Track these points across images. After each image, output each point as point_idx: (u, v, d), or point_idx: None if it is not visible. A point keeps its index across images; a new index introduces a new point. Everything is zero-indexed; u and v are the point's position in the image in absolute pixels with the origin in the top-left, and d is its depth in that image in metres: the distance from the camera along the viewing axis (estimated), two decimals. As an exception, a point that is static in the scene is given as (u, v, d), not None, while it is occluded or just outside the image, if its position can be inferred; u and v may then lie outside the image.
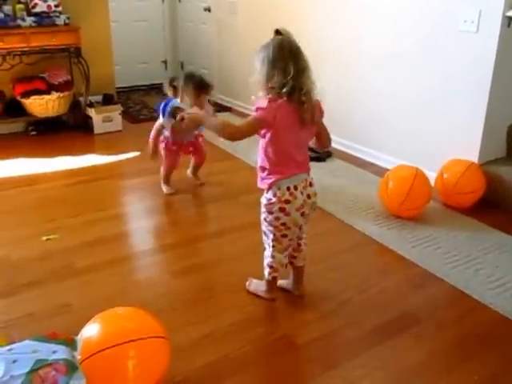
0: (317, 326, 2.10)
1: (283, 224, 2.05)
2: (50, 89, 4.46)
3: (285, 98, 1.85)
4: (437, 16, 3.28)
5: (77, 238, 2.75)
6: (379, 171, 3.66)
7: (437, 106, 3.41)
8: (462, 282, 2.40)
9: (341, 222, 3.00)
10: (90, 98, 4.65)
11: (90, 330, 1.61)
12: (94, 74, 4.59)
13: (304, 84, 1.87)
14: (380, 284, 2.41)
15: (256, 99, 1.94)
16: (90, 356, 1.54)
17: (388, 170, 3.26)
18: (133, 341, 1.57)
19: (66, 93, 4.48)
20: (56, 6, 4.41)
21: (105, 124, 4.54)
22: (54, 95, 4.40)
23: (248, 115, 5.06)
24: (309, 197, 2.05)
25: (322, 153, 3.95)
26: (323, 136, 2.09)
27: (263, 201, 2.06)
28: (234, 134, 1.97)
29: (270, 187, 2.01)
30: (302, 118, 1.89)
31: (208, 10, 5.66)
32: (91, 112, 4.55)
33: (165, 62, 6.65)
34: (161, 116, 3.16)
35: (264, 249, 2.20)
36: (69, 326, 2.04)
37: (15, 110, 4.43)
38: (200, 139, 3.42)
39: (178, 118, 2.07)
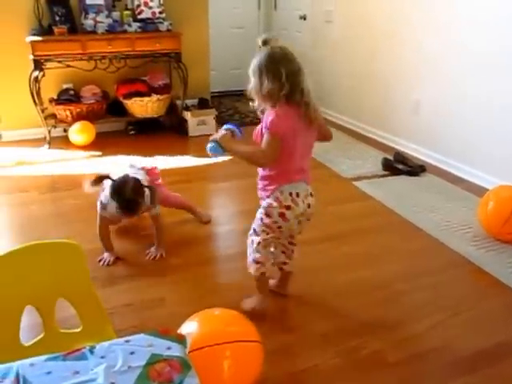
0: (407, 346, 2.05)
1: (279, 227, 2.04)
2: (150, 91, 4.69)
3: (286, 102, 1.84)
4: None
5: (171, 236, 2.86)
6: (474, 188, 3.53)
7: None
8: None
9: (434, 239, 2.90)
10: (186, 101, 4.84)
11: (189, 328, 1.68)
12: (191, 79, 4.76)
13: (303, 85, 1.85)
14: (475, 308, 2.30)
15: (255, 106, 1.94)
16: (188, 353, 1.61)
17: (484, 188, 3.12)
18: (230, 342, 1.63)
19: (165, 96, 4.69)
20: (160, 13, 4.64)
21: (199, 127, 4.70)
22: (154, 97, 4.62)
23: (338, 124, 5.01)
24: (309, 206, 2.04)
25: (415, 167, 3.85)
26: (324, 130, 2.06)
27: (263, 204, 2.04)
28: (262, 160, 1.91)
29: (272, 193, 1.99)
30: (308, 118, 1.87)
31: (303, 18, 5.70)
32: (187, 115, 4.73)
33: (257, 68, 6.77)
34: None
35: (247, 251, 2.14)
36: (162, 319, 2.16)
37: (117, 110, 4.71)
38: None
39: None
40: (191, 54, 4.82)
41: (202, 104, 4.92)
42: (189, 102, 4.90)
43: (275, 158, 1.88)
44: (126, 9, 4.61)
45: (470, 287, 2.49)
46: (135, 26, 4.49)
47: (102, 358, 1.08)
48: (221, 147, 1.92)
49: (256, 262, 2.10)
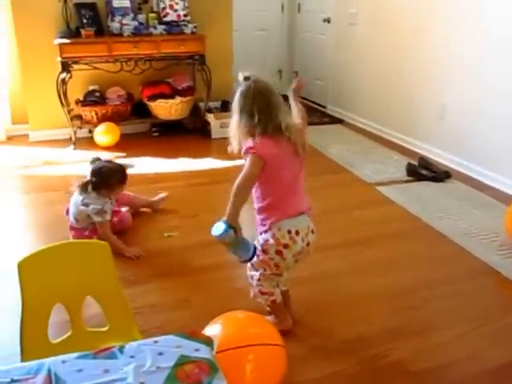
0: (431, 355, 2.02)
1: (276, 265, 1.95)
2: (173, 93, 4.73)
3: (264, 136, 1.82)
4: None
5: (195, 237, 2.88)
6: (501, 196, 3.48)
7: None
8: None
9: (458, 247, 2.86)
10: (209, 103, 4.87)
11: (213, 330, 1.68)
12: (215, 81, 4.78)
13: (281, 119, 1.84)
14: (501, 319, 2.26)
15: (232, 149, 1.91)
16: (212, 355, 1.62)
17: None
18: (253, 345, 1.63)
19: (188, 98, 4.73)
20: (185, 16, 4.68)
21: (222, 129, 4.72)
22: (178, 99, 4.66)
23: (360, 128, 4.99)
24: (308, 244, 1.96)
25: (440, 173, 3.81)
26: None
27: (259, 241, 1.95)
28: (244, 185, 1.82)
29: (269, 228, 1.90)
30: (291, 149, 1.86)
31: (327, 20, 5.69)
32: (210, 117, 4.76)
33: (280, 71, 6.78)
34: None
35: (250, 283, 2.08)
36: (187, 320, 2.17)
37: (141, 111, 4.76)
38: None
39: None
40: (215, 57, 4.84)
41: (225, 106, 4.93)
42: (212, 104, 4.93)
43: (255, 179, 1.83)
44: (152, 11, 4.66)
45: (496, 297, 2.45)
46: (160, 28, 4.53)
47: (132, 357, 1.09)
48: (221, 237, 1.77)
49: (262, 293, 2.04)
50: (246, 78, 1.92)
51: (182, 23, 4.63)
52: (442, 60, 4.06)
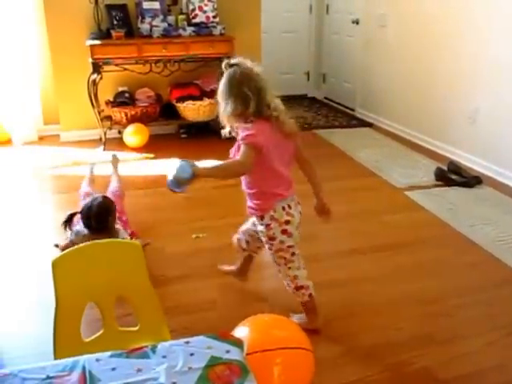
0: (460, 363, 1.99)
1: (289, 246, 2.01)
2: (202, 95, 4.76)
3: (257, 118, 1.85)
4: None
5: (222, 239, 2.87)
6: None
7: None
8: None
9: (489, 254, 2.81)
10: (236, 105, 4.88)
11: (241, 332, 1.69)
12: (243, 83, 4.79)
13: (269, 100, 1.87)
14: (535, 328, 2.22)
15: (224, 134, 1.98)
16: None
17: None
18: (282, 348, 1.63)
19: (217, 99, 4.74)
20: (214, 17, 4.71)
21: (249, 131, 4.73)
22: (206, 101, 4.68)
23: (389, 131, 4.94)
24: (300, 213, 2.03)
25: (470, 178, 3.75)
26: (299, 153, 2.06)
27: (262, 229, 1.99)
28: (240, 168, 1.85)
29: (265, 212, 1.95)
30: (281, 131, 1.88)
31: (356, 22, 5.66)
32: (237, 119, 4.77)
33: (307, 73, 6.77)
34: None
35: (286, 280, 2.11)
36: (215, 321, 2.19)
37: (170, 113, 4.80)
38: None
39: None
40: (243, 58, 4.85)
41: (253, 109, 4.95)
42: (239, 106, 4.94)
43: (250, 167, 1.83)
44: (181, 13, 4.70)
45: (527, 306, 2.40)
46: (189, 30, 4.57)
47: (164, 357, 1.11)
48: (183, 181, 1.75)
49: (298, 288, 2.08)
50: (231, 65, 1.93)
51: (210, 25, 4.66)
52: (476, 63, 3.99)
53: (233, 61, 1.92)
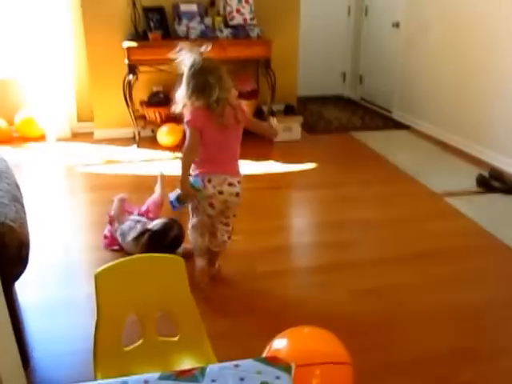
0: (503, 379, 1.94)
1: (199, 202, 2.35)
2: (238, 96, 4.73)
3: (200, 106, 2.16)
4: None
5: (257, 242, 2.87)
6: None
7: None
8: None
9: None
10: (272, 106, 4.85)
11: (280, 344, 1.66)
12: (278, 84, 4.75)
13: (213, 93, 2.15)
14: None
15: (174, 109, 2.26)
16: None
17: None
18: (320, 364, 1.59)
19: (252, 101, 4.73)
20: (251, 19, 4.68)
21: (284, 133, 4.70)
22: (241, 102, 4.66)
23: (428, 135, 4.85)
24: (220, 193, 2.26)
25: (512, 185, 3.63)
26: (261, 130, 2.57)
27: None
28: (187, 153, 2.21)
29: (195, 176, 2.26)
30: (219, 121, 2.17)
31: (396, 25, 5.52)
32: (273, 121, 4.73)
33: (344, 74, 6.68)
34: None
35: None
36: (252, 327, 2.19)
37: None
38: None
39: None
40: (280, 60, 4.81)
41: (288, 110, 4.92)
42: (275, 107, 4.91)
43: (195, 146, 2.20)
44: (218, 15, 4.69)
45: None
46: (226, 32, 4.55)
47: (213, 381, 1.08)
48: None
49: (229, 237, 2.46)
50: (201, 53, 2.29)
51: (248, 27, 4.63)
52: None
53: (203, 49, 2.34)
